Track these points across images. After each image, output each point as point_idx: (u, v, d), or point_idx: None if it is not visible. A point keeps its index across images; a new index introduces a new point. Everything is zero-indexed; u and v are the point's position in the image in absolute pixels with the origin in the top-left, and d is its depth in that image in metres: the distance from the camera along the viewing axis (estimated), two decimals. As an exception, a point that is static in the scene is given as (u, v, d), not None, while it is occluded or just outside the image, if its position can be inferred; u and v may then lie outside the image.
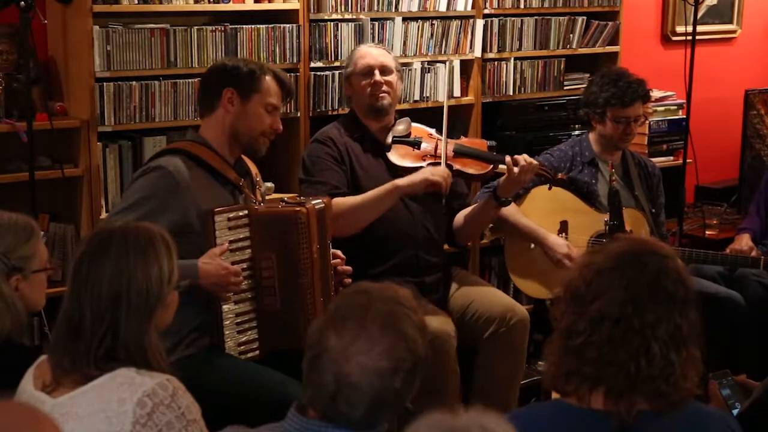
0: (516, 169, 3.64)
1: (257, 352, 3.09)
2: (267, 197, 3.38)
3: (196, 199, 2.99)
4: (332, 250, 3.27)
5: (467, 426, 1.42)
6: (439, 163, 3.67)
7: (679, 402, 1.94)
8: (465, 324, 3.73)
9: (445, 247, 3.97)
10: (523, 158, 3.66)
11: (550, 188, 3.85)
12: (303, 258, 3.07)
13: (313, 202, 3.16)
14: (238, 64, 3.19)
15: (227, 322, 3.02)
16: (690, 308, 1.97)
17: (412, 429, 1.45)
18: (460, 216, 3.90)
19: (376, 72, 3.77)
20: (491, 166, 3.76)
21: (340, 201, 3.56)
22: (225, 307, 3.01)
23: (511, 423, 2.04)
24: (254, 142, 3.18)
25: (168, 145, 3.31)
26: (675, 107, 5.13)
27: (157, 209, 2.90)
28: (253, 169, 3.30)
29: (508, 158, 3.67)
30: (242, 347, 3.06)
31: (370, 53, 3.84)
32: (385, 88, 3.77)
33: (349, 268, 3.32)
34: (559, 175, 3.84)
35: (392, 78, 3.81)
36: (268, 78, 3.17)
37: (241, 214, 3.03)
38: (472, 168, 3.76)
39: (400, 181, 3.60)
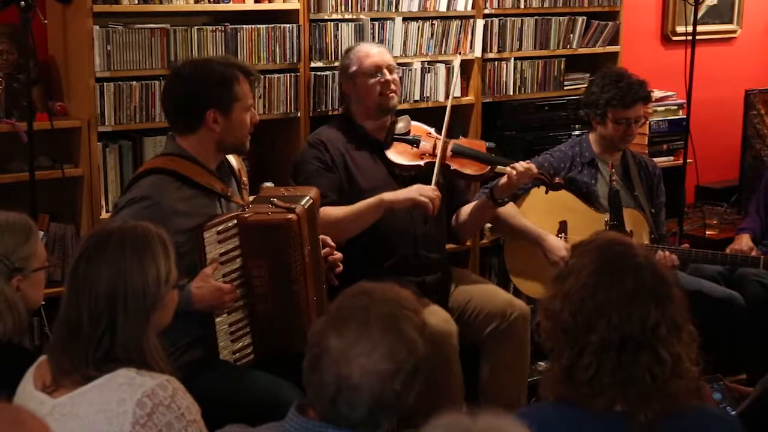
0: (514, 174, 3.65)
1: (251, 357, 3.07)
2: (251, 197, 3.31)
3: (184, 224, 2.93)
4: (321, 237, 3.24)
5: (485, 430, 1.41)
6: (435, 164, 3.67)
7: (690, 390, 1.94)
8: (465, 322, 3.73)
9: (446, 246, 3.98)
10: (521, 164, 3.68)
11: (546, 192, 3.84)
12: (295, 264, 3.03)
13: (302, 202, 3.11)
14: (210, 81, 3.04)
15: (221, 334, 3.00)
16: (674, 293, 1.98)
17: (430, 428, 1.45)
18: (460, 213, 3.91)
19: (386, 71, 3.76)
20: (489, 167, 3.76)
21: (325, 212, 3.50)
22: (218, 320, 2.98)
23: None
24: (241, 145, 3.14)
25: (151, 161, 3.20)
26: (675, 107, 5.12)
27: None
28: (237, 163, 3.26)
29: (508, 168, 3.67)
30: (237, 354, 3.04)
31: (375, 52, 3.82)
32: (393, 87, 3.77)
33: (339, 255, 3.32)
34: (557, 180, 3.83)
35: (397, 76, 3.83)
36: (241, 79, 3.07)
37: (230, 225, 2.98)
38: (469, 168, 3.77)
39: (387, 196, 3.58)
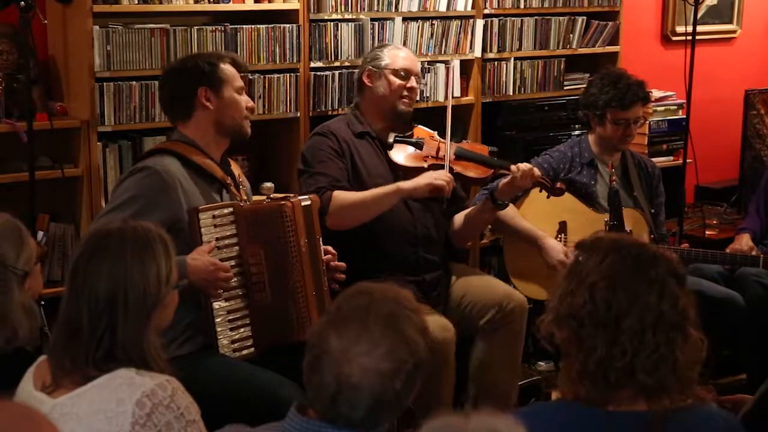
0: (517, 174, 3.65)
1: (252, 349, 3.09)
2: (255, 197, 3.36)
3: (184, 196, 3.00)
4: (324, 246, 3.27)
5: (478, 429, 1.41)
6: (442, 166, 3.67)
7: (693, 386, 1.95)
8: (462, 313, 3.73)
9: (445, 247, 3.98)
10: (523, 165, 3.68)
11: (548, 197, 3.84)
12: (291, 251, 3.09)
13: (299, 197, 3.17)
14: (197, 63, 3.19)
15: (219, 320, 3.02)
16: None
17: (425, 429, 1.45)
18: (458, 218, 3.91)
19: (413, 78, 3.78)
20: (492, 170, 3.76)
21: (341, 195, 3.56)
22: (216, 305, 3.01)
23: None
24: (240, 127, 3.21)
25: (155, 145, 3.32)
26: (675, 107, 5.13)
27: (146, 208, 2.91)
28: (236, 170, 3.31)
29: (513, 167, 3.67)
30: (236, 344, 3.06)
31: (410, 56, 3.84)
32: (414, 95, 3.79)
33: (342, 264, 3.33)
34: (558, 185, 3.83)
35: (419, 87, 3.86)
36: (225, 62, 3.19)
37: (226, 211, 3.04)
38: (472, 171, 3.77)
39: (404, 184, 3.59)
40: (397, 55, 3.80)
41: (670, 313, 1.94)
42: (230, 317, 3.05)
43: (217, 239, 3.01)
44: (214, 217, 3.00)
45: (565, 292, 2.01)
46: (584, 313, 1.97)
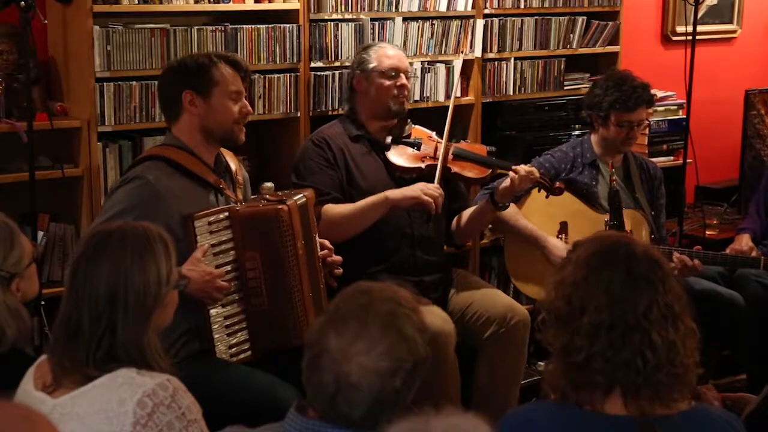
0: (516, 178, 3.65)
1: (249, 353, 3.07)
2: (254, 197, 3.34)
3: (177, 205, 2.96)
4: (320, 241, 3.25)
5: (442, 429, 1.41)
6: (436, 166, 3.66)
7: (688, 385, 1.93)
8: (465, 325, 3.73)
9: (444, 247, 3.97)
10: (522, 168, 3.68)
11: (547, 197, 3.84)
12: (288, 255, 3.06)
13: (295, 197, 3.13)
14: (185, 62, 3.16)
15: (216, 326, 2.99)
16: (670, 283, 1.98)
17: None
18: (460, 217, 3.91)
19: (402, 76, 3.76)
20: (489, 171, 3.76)
21: (330, 210, 3.55)
22: (213, 311, 2.98)
23: (510, 421, 2.04)
24: (230, 134, 3.14)
25: (146, 151, 3.29)
26: (675, 107, 5.13)
27: (139, 220, 2.87)
28: (233, 163, 3.27)
29: (512, 171, 3.67)
30: (233, 349, 3.04)
31: (396, 54, 3.82)
32: (406, 92, 3.78)
33: (338, 258, 3.31)
34: (557, 184, 3.83)
35: (410, 84, 3.84)
36: (221, 67, 3.11)
37: (221, 216, 3.00)
38: (470, 172, 3.77)
39: (391, 194, 3.58)
40: (382, 56, 3.79)
41: (628, 314, 1.93)
42: (227, 323, 3.03)
43: (213, 245, 2.97)
44: (209, 223, 2.96)
45: (548, 290, 2.03)
46: (552, 308, 1.99)
